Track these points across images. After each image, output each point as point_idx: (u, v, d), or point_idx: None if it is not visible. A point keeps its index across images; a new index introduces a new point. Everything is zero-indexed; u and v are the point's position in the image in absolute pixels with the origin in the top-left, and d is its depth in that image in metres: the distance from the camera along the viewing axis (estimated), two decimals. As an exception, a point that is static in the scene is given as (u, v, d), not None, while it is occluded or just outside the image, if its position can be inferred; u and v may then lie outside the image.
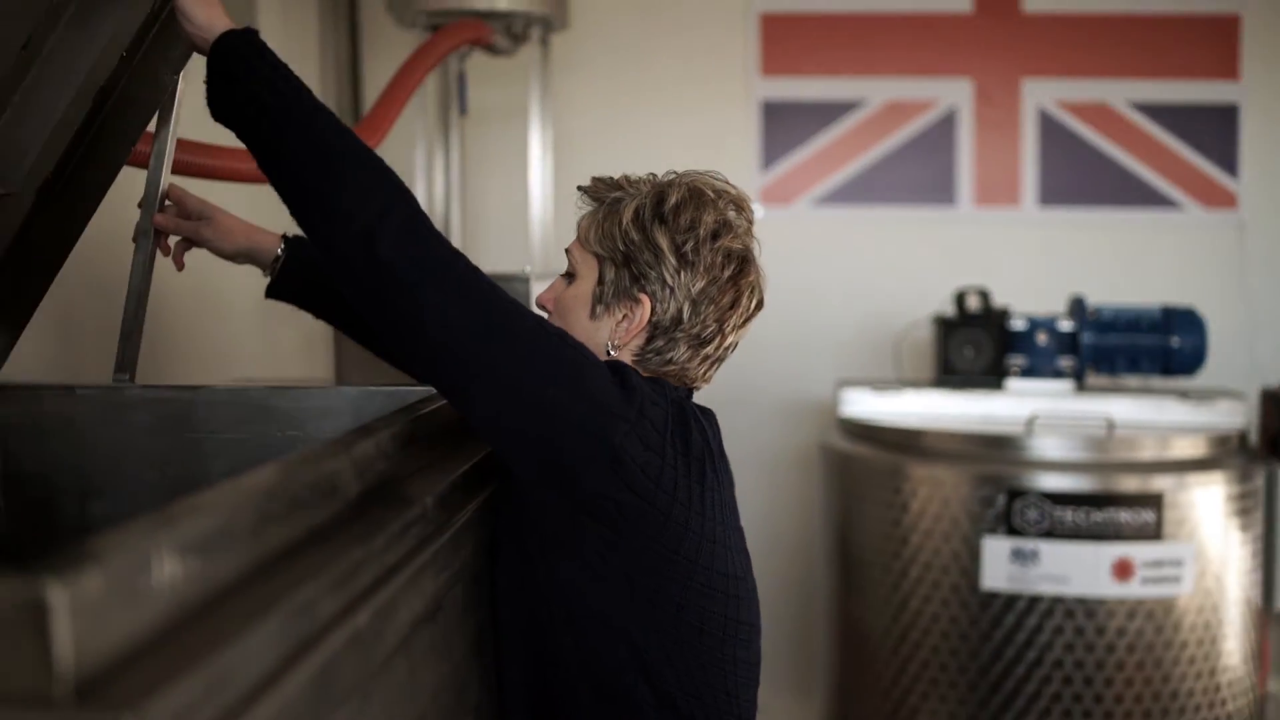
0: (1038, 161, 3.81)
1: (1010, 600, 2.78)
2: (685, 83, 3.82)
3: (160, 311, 2.26)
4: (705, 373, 1.50)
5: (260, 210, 2.59)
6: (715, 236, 1.45)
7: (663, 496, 1.32)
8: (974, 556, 2.80)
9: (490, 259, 3.73)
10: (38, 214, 1.56)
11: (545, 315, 1.50)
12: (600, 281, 1.47)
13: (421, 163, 3.44)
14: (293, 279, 1.78)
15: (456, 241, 3.62)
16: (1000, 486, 2.80)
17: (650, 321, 1.44)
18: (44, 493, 1.64)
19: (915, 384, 3.42)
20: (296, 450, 1.41)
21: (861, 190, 3.81)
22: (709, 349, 1.47)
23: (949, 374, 3.34)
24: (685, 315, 1.44)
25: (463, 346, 1.26)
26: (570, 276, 1.51)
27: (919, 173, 3.81)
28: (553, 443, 1.29)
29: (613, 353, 1.45)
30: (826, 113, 3.82)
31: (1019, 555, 2.78)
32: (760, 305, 1.50)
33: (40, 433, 1.64)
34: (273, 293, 1.80)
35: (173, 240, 1.75)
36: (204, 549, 0.75)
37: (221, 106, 1.34)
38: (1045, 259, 3.81)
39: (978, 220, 3.82)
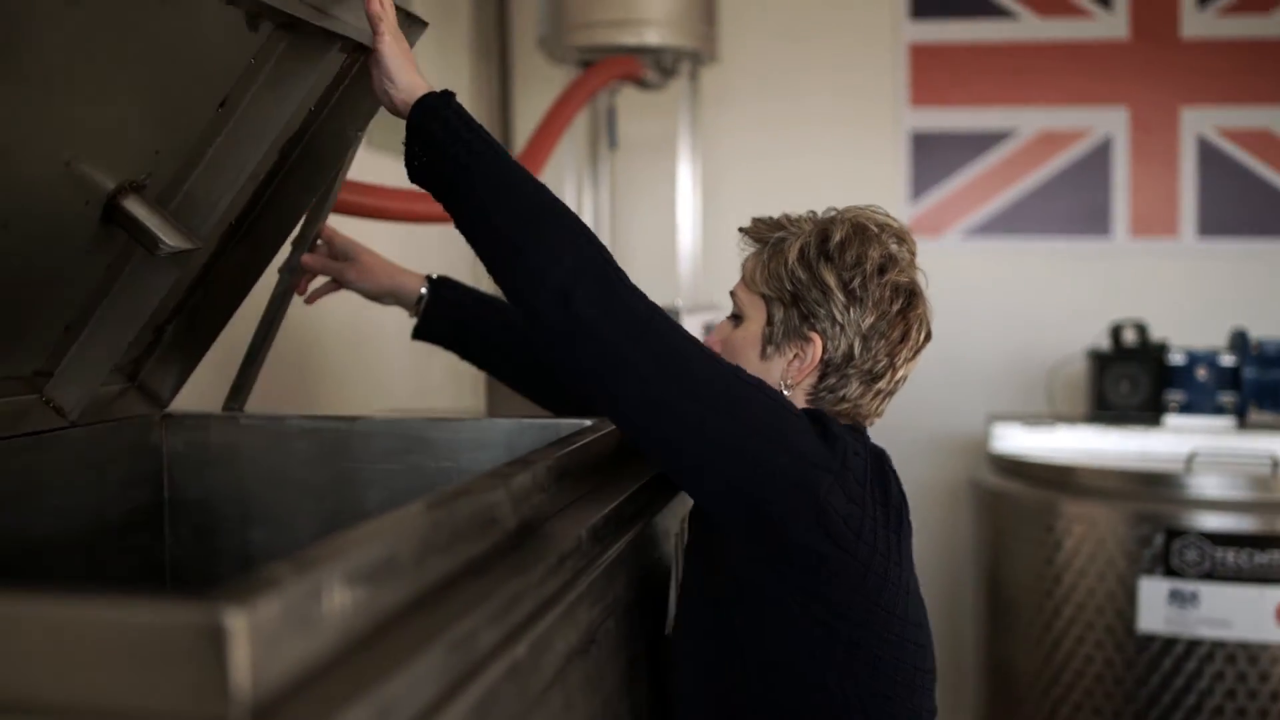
0: (1197, 191, 3.70)
1: (1168, 644, 2.70)
2: (833, 114, 3.81)
3: (315, 342, 2.33)
4: (877, 407, 1.50)
5: (409, 249, 2.66)
6: (882, 271, 1.45)
7: (864, 548, 1.31)
8: (1130, 598, 2.72)
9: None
10: (218, 259, 1.62)
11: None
12: (769, 322, 1.47)
13: (571, 195, 3.49)
14: (438, 320, 1.82)
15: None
16: (1158, 526, 2.72)
17: (822, 359, 1.44)
18: (207, 519, 1.70)
19: (1069, 419, 3.35)
20: (452, 482, 1.44)
21: (1013, 221, 3.75)
22: (881, 384, 1.47)
23: (1104, 409, 3.26)
24: (856, 351, 1.44)
25: (665, 402, 1.27)
26: (737, 318, 1.52)
27: (1073, 203, 3.74)
28: (758, 496, 1.29)
29: (786, 392, 1.45)
30: (977, 143, 3.77)
31: (1177, 597, 2.69)
32: (929, 337, 1.50)
33: (205, 461, 1.70)
34: (419, 334, 1.85)
35: (319, 280, 1.80)
36: (371, 579, 0.77)
37: (419, 166, 1.37)
38: (1205, 291, 3.70)
39: (1134, 251, 3.73)
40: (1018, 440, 3.23)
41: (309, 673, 0.69)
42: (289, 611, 0.67)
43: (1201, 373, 3.16)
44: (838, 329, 1.43)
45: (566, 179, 3.47)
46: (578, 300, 1.26)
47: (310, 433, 1.70)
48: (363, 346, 2.58)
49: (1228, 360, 3.15)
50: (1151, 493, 2.82)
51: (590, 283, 1.28)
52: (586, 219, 3.55)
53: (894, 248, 1.48)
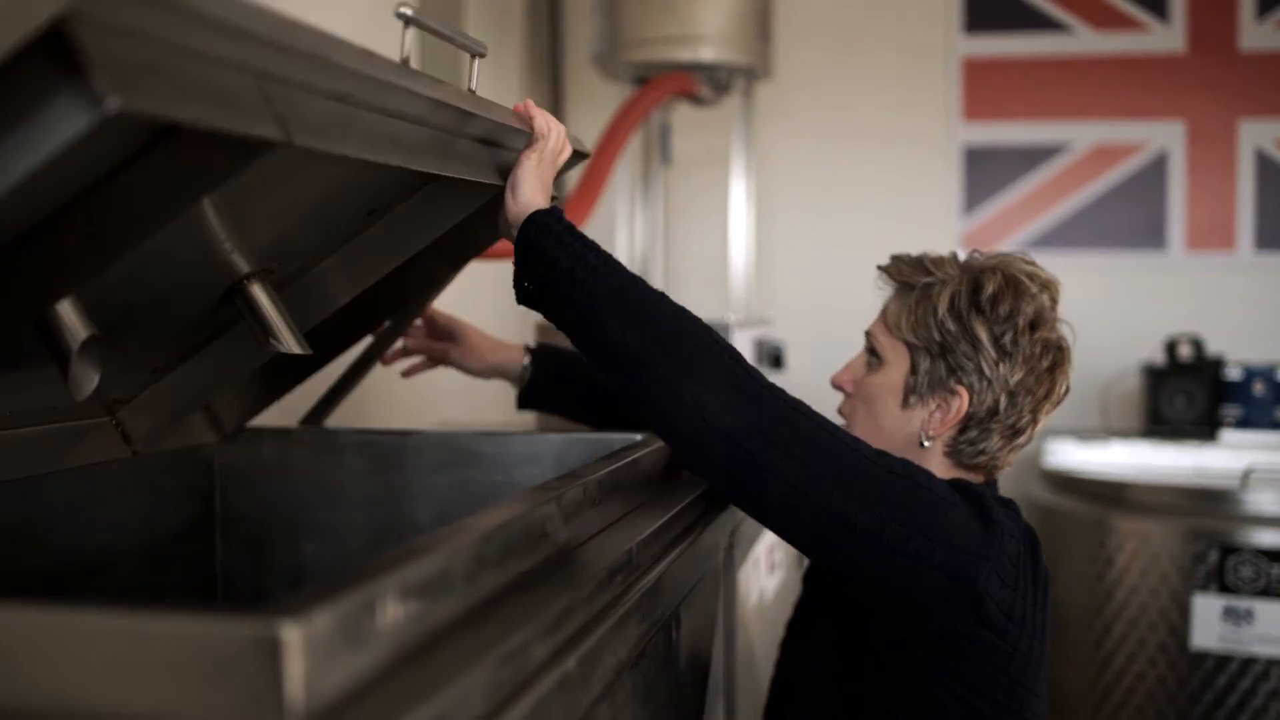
0: (1254, 204, 3.67)
1: (1222, 661, 2.67)
2: (887, 129, 3.81)
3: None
4: (1010, 459, 1.49)
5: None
6: (1033, 327, 1.43)
7: (1014, 630, 1.31)
8: (1183, 615, 2.70)
9: (691, 306, 3.77)
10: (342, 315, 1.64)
11: (843, 395, 1.54)
12: (913, 371, 1.45)
13: (624, 211, 3.51)
14: (541, 389, 1.84)
15: (658, 287, 3.67)
16: (1213, 542, 2.69)
17: (966, 413, 1.42)
18: (259, 532, 1.72)
19: (1122, 435, 3.32)
20: (502, 496, 1.45)
21: (1067, 236, 3.73)
22: (1021, 439, 1.46)
23: (1158, 424, 3.23)
24: (1002, 407, 1.42)
25: (816, 503, 1.25)
26: (875, 360, 1.50)
27: (1128, 217, 3.72)
28: (914, 586, 1.28)
29: (926, 444, 1.44)
30: (1030, 157, 3.75)
31: (1232, 614, 2.66)
32: (1068, 392, 1.48)
33: (257, 474, 1.72)
34: (524, 404, 1.86)
35: (417, 357, 1.82)
36: (424, 593, 0.79)
37: (529, 288, 1.33)
38: (1262, 305, 3.66)
39: (1190, 265, 3.69)
40: (1070, 456, 3.21)
41: (362, 685, 0.70)
42: (342, 625, 0.68)
43: (1258, 388, 3.13)
44: (985, 383, 1.41)
45: (619, 195, 3.49)
46: (714, 411, 1.24)
47: (362, 446, 1.72)
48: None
49: (1285, 376, 3.12)
50: (1206, 508, 2.79)
51: (725, 391, 1.25)
52: (639, 234, 3.58)
53: (1045, 302, 1.46)
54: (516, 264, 1.33)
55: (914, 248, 3.99)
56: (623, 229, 3.49)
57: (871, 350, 1.51)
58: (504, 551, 0.94)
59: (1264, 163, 3.66)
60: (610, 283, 1.30)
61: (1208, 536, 2.70)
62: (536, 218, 1.32)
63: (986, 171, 3.77)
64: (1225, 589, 2.66)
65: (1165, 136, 3.70)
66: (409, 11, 1.12)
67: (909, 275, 1.49)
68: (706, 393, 1.24)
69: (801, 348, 3.12)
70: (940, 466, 1.47)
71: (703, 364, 1.27)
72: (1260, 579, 2.65)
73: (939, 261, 1.49)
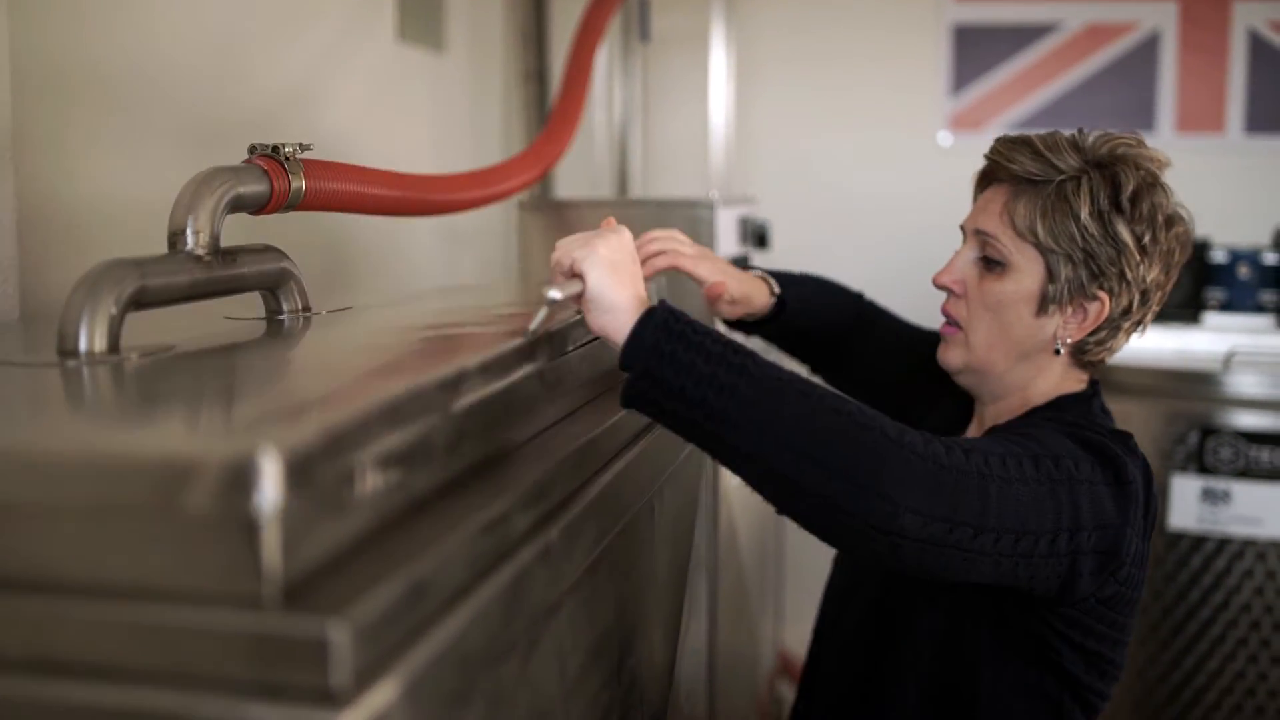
0: (1245, 86, 3.62)
1: (1198, 541, 2.70)
2: (873, 6, 3.73)
3: (353, 222, 2.32)
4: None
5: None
6: (1170, 223, 1.38)
7: (1137, 574, 1.30)
8: (1162, 495, 2.72)
9: (672, 186, 3.73)
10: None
11: (953, 298, 1.44)
12: (1052, 279, 1.37)
13: (602, 89, 3.45)
14: (783, 324, 1.67)
15: (637, 168, 3.63)
16: (1193, 424, 2.70)
17: (1105, 317, 1.38)
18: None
19: (1106, 317, 3.31)
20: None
21: (1057, 117, 3.68)
22: (1141, 331, 1.44)
23: (1142, 307, 3.23)
24: (1135, 305, 1.38)
25: (1019, 556, 1.19)
26: (998, 265, 1.40)
27: (1118, 98, 3.67)
28: (1066, 575, 1.24)
29: (1061, 349, 1.40)
30: (1021, 36, 3.69)
31: (1210, 495, 2.68)
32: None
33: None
34: (749, 328, 1.67)
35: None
36: (404, 462, 0.77)
37: (648, 397, 1.09)
38: (1250, 189, 3.64)
39: (1179, 148, 3.66)
40: (1054, 338, 3.21)
41: (341, 554, 0.69)
42: (321, 494, 0.67)
43: (1243, 271, 3.11)
44: (1125, 285, 1.36)
45: (596, 74, 3.43)
46: (909, 526, 1.10)
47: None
48: (396, 239, 2.58)
49: (1271, 259, 3.10)
50: (1187, 390, 2.80)
51: (913, 495, 1.10)
52: (617, 114, 3.52)
53: (1168, 187, 1.41)
54: (629, 369, 1.10)
55: (900, 128, 3.94)
56: (601, 108, 3.44)
57: (992, 253, 1.40)
58: (486, 422, 0.92)
59: (1257, 44, 3.61)
60: (755, 406, 1.08)
61: (1188, 418, 2.71)
62: (653, 318, 1.10)
63: (976, 50, 3.71)
64: (1204, 470, 2.68)
65: (1157, 16, 3.64)
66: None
67: (1031, 168, 1.37)
68: (896, 508, 1.09)
69: (785, 226, 3.09)
70: (1060, 366, 1.44)
71: (880, 474, 1.09)
72: (1239, 460, 2.66)
73: (1056, 147, 1.38)
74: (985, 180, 1.47)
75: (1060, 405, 1.44)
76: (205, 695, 0.61)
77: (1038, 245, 1.36)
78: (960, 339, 1.45)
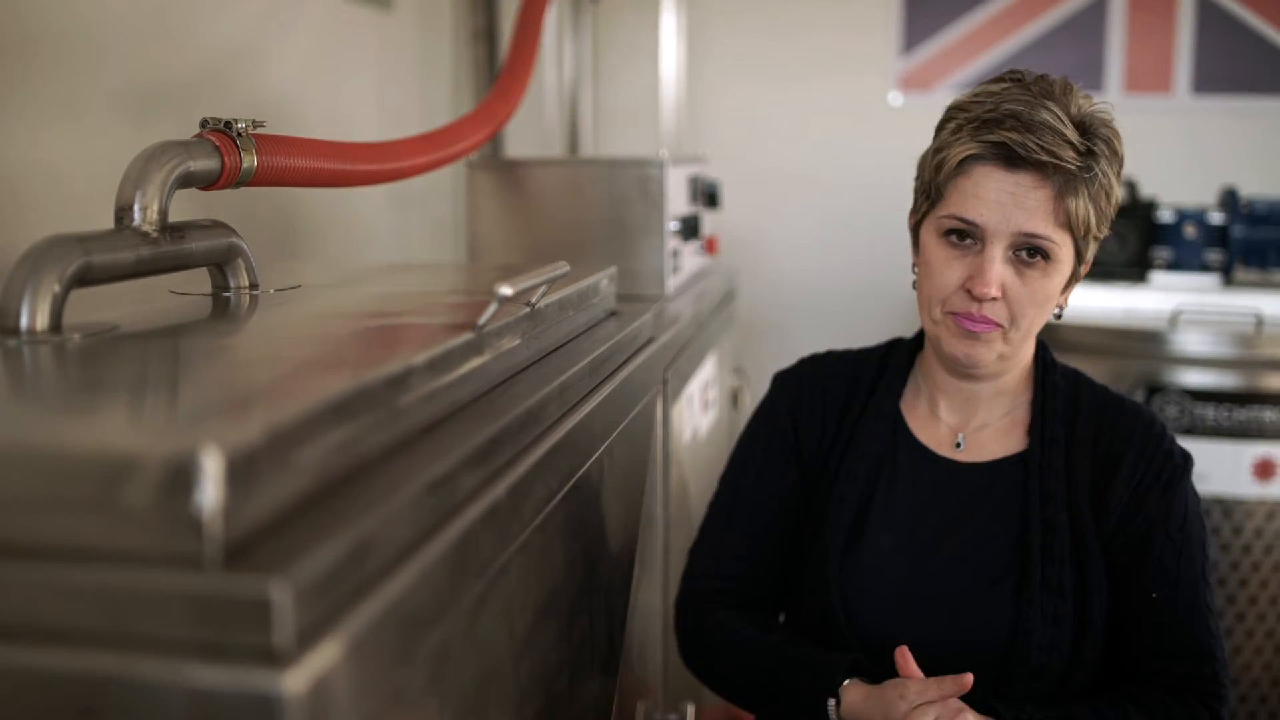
0: (1193, 46, 3.64)
1: (1145, 498, 2.73)
2: (824, -35, 3.73)
3: (299, 194, 2.30)
4: None
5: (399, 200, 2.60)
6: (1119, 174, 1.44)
7: None
8: (1110, 453, 2.74)
9: (622, 145, 3.72)
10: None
11: (991, 302, 1.38)
12: (1080, 259, 1.41)
13: (552, 48, 3.42)
14: None
15: (588, 127, 3.61)
16: (1139, 381, 2.73)
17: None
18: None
19: (1054, 277, 3.34)
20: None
21: (1004, 76, 3.69)
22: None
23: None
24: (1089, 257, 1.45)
25: None
26: (1043, 260, 1.37)
27: (1066, 57, 3.68)
28: None
29: (1054, 320, 1.46)
30: (970, -5, 3.69)
31: (1157, 453, 2.72)
32: None
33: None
34: None
35: None
36: (348, 421, 0.77)
37: None
38: (1196, 149, 3.67)
39: (1126, 108, 3.66)
40: (1003, 297, 3.23)
41: (284, 514, 0.68)
42: (263, 452, 0.66)
43: (1190, 230, 3.14)
44: (1095, 243, 1.43)
45: (547, 31, 3.40)
46: None
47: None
48: (346, 200, 2.55)
49: (1217, 218, 3.13)
50: (1134, 348, 2.82)
51: None
52: (567, 73, 3.50)
53: None
54: None
55: (850, 87, 3.92)
56: (550, 67, 3.41)
57: (1038, 252, 1.37)
58: (432, 382, 0.91)
59: (1204, 5, 3.63)
60: None
61: (1134, 376, 2.74)
62: None
63: (926, 9, 3.71)
64: (1150, 427, 2.71)
65: (1106, -25, 3.65)
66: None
67: (1070, 156, 1.34)
68: None
69: (736, 185, 3.08)
70: None
71: None
72: (1184, 417, 2.69)
73: (1058, 127, 1.34)
74: (980, 161, 1.39)
75: (1048, 365, 1.53)
76: (146, 656, 0.60)
77: (1072, 230, 1.37)
78: (998, 335, 1.41)
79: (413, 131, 1.79)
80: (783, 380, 1.62)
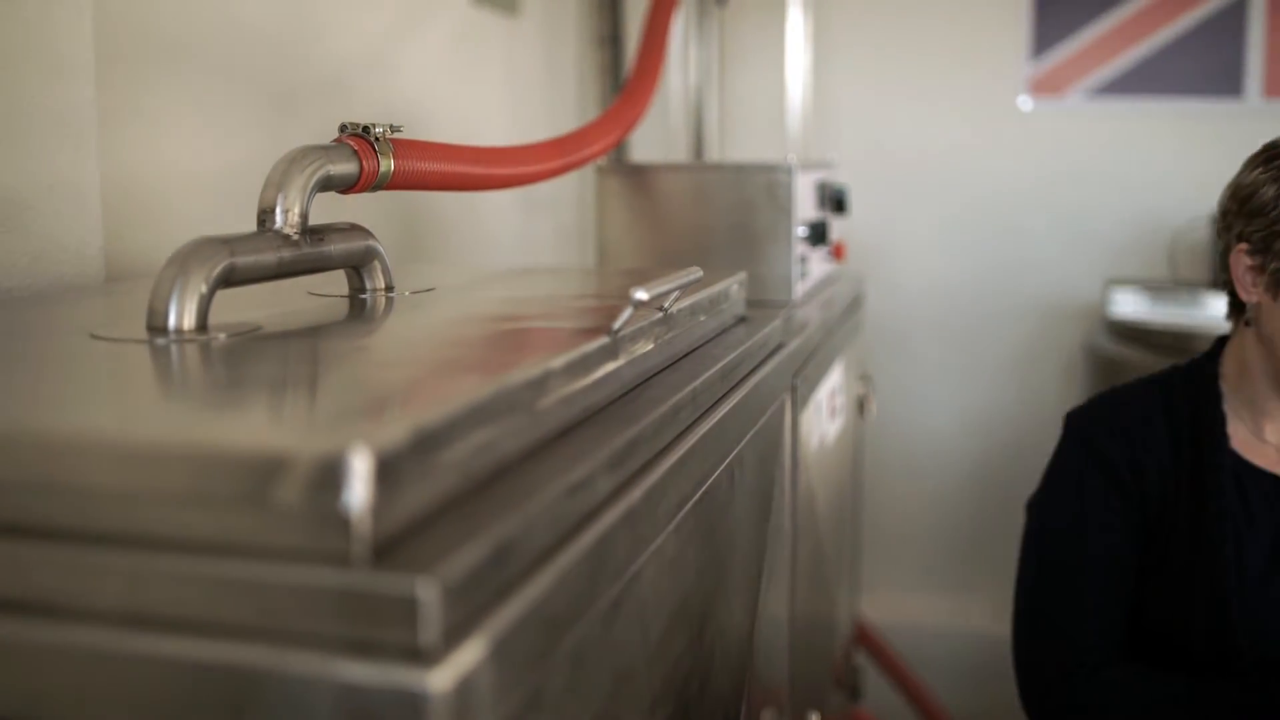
0: (1337, 48, 3.52)
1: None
2: (952, -33, 3.68)
3: (430, 197, 2.33)
4: None
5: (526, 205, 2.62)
6: None
7: None
8: None
9: (747, 149, 3.70)
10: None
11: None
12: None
13: (677, 52, 3.42)
14: None
15: (713, 132, 3.60)
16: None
17: None
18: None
19: (1191, 285, 3.25)
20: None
21: (1139, 80, 3.60)
22: None
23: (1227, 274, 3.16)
24: None
25: None
26: (1243, 304, 1.62)
27: (1203, 62, 3.58)
28: None
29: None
30: (1104, -3, 3.62)
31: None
32: None
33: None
34: None
35: None
36: (490, 424, 0.77)
37: None
38: (1341, 154, 3.54)
39: (1267, 113, 3.57)
40: (1137, 306, 3.15)
41: (429, 514, 0.69)
42: (410, 453, 0.67)
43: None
44: None
45: (673, 35, 3.40)
46: None
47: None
48: (471, 203, 2.58)
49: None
50: None
51: None
52: (692, 77, 3.50)
53: None
54: None
55: (979, 91, 3.87)
56: (675, 70, 3.41)
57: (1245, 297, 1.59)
58: (569, 385, 0.92)
59: (1350, 4, 3.51)
60: None
61: None
62: None
63: (1058, 11, 3.64)
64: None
65: (1247, -24, 3.54)
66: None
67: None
68: None
69: (862, 191, 3.05)
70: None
71: None
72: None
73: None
74: None
75: None
76: (294, 651, 0.61)
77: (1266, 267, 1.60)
78: None
79: (538, 136, 1.81)
80: (1094, 425, 1.66)
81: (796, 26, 3.47)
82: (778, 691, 1.61)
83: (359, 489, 0.62)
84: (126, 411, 0.78)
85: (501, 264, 2.75)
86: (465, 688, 0.62)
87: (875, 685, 3.18)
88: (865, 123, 3.70)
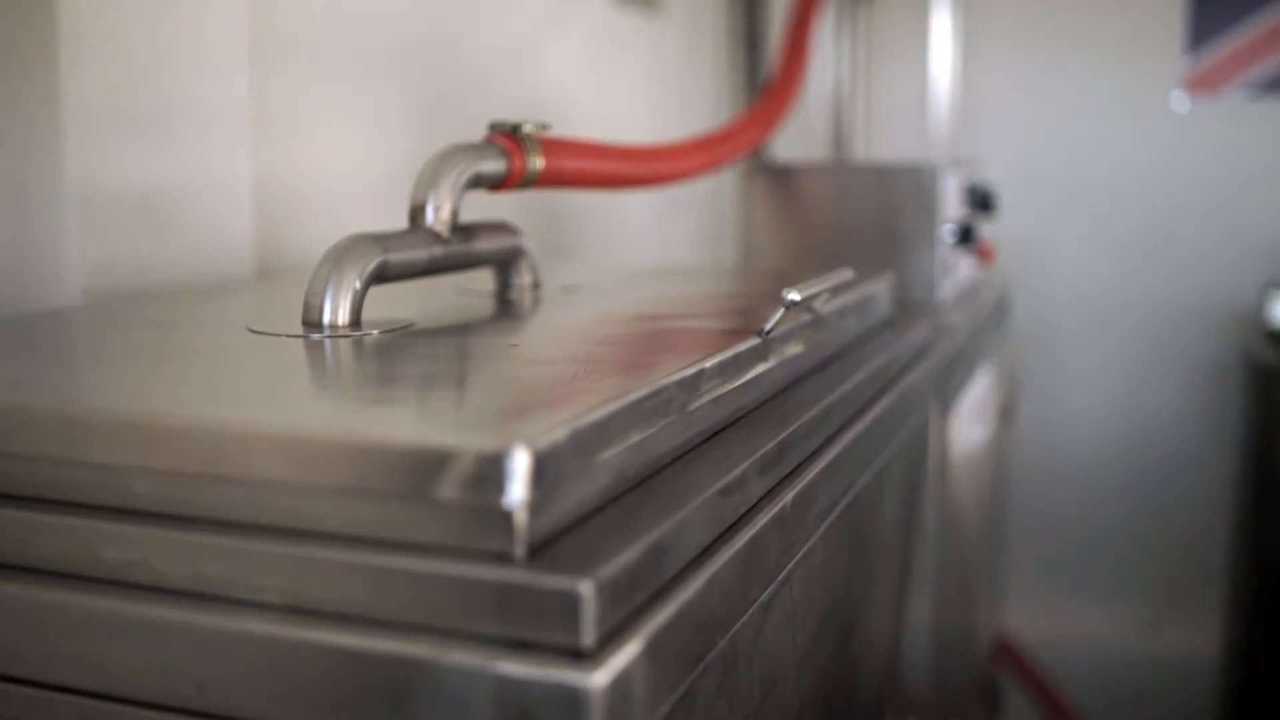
0: None
1: None
2: (1105, -37, 3.59)
3: (566, 209, 2.34)
4: None
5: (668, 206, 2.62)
6: None
7: None
8: None
9: (893, 148, 3.66)
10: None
11: None
12: None
13: (820, 51, 3.40)
14: None
15: (858, 130, 3.57)
16: None
17: None
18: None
19: (1354, 292, 3.13)
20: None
21: (1302, 78, 3.48)
22: None
23: (1394, 282, 3.03)
24: None
25: None
26: None
27: (1372, 58, 3.44)
28: None
29: None
30: (1266, -8, 3.49)
31: None
32: None
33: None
34: None
35: None
36: (645, 424, 0.77)
37: None
38: None
39: None
40: (1296, 313, 3.05)
41: (585, 511, 0.69)
42: (568, 452, 0.67)
43: None
44: None
45: (821, 34, 3.37)
46: None
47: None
48: (613, 201, 2.59)
49: None
50: None
51: None
52: (836, 74, 3.46)
53: None
54: None
55: (1132, 88, 3.77)
56: (818, 68, 3.38)
57: None
58: (721, 385, 0.91)
59: None
60: None
61: None
62: None
63: (1215, 5, 3.52)
64: None
65: None
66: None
67: None
68: None
69: (1009, 190, 2.99)
70: None
71: None
72: None
73: None
74: None
75: None
76: (455, 645, 0.61)
77: None
78: None
79: (678, 134, 1.80)
80: None
81: (944, 22, 3.42)
82: (921, 701, 1.59)
83: (519, 487, 0.62)
84: (289, 405, 0.79)
85: (640, 263, 2.76)
86: (622, 688, 0.61)
87: (1015, 700, 3.11)
88: (1013, 121, 3.63)
